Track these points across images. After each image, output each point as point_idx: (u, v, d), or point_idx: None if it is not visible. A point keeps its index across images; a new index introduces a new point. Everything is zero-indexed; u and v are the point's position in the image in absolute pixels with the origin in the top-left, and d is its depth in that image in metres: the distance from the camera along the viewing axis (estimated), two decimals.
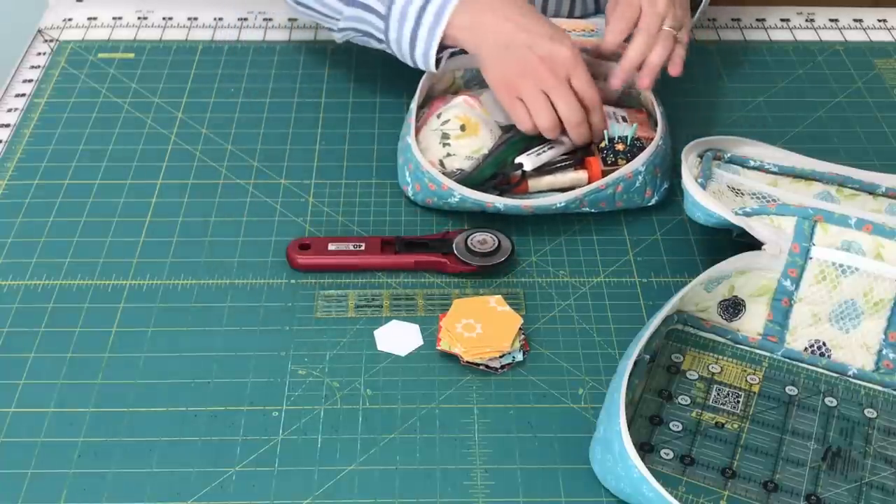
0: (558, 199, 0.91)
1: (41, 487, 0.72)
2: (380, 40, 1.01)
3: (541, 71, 0.91)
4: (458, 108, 0.97)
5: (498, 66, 0.93)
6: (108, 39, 1.21)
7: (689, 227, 0.94)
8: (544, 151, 0.94)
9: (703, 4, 1.08)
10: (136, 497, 0.71)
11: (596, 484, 0.72)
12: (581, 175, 0.94)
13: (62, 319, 0.85)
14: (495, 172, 0.94)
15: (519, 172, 0.93)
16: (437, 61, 0.98)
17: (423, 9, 0.95)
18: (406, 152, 0.95)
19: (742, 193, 0.89)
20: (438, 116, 0.97)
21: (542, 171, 0.94)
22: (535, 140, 0.96)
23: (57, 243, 0.92)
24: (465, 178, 0.92)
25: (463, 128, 0.95)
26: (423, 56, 0.97)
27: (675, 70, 0.97)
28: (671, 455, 0.74)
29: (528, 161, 0.93)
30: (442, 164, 0.93)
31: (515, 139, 0.95)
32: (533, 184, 0.93)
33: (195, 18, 1.25)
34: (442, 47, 0.96)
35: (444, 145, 0.94)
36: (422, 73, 1.02)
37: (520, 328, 0.82)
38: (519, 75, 0.92)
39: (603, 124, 0.95)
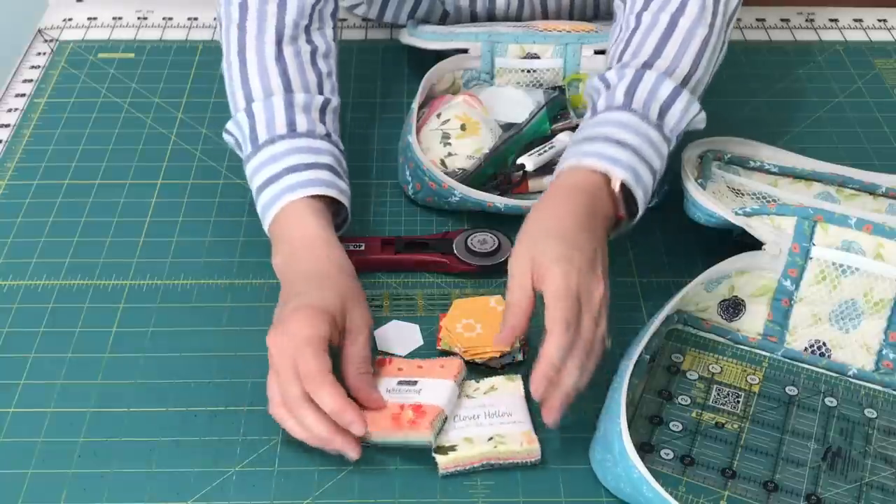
0: None
1: (41, 487, 0.72)
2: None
3: (270, 339, 0.75)
4: (459, 108, 0.97)
5: (275, 318, 0.78)
6: (108, 39, 1.21)
7: (689, 227, 0.94)
8: (545, 151, 0.94)
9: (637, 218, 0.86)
10: (136, 497, 0.71)
11: (596, 484, 0.72)
12: None
13: (62, 319, 0.85)
14: (496, 172, 0.94)
15: (520, 173, 0.93)
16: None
17: (257, 194, 0.86)
18: (407, 151, 0.95)
19: (742, 194, 0.89)
20: (438, 116, 0.97)
21: (542, 171, 0.94)
22: (536, 139, 0.96)
23: (57, 243, 0.92)
24: (467, 178, 0.92)
25: (463, 127, 0.95)
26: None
27: (553, 414, 0.73)
28: (671, 455, 0.74)
29: (529, 161, 0.93)
30: (443, 163, 0.93)
31: (516, 138, 0.95)
32: (533, 184, 0.93)
33: (195, 18, 1.25)
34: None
35: (445, 145, 0.94)
36: (422, 73, 1.02)
37: None
38: (276, 331, 0.75)
39: (340, 408, 0.71)
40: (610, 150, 0.81)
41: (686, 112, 0.86)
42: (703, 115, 0.88)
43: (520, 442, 0.73)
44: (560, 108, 1.00)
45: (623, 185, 0.80)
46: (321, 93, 0.91)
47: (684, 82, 0.87)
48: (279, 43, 0.91)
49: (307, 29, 0.93)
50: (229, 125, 0.91)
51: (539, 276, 0.73)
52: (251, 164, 0.87)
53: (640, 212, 0.82)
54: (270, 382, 0.74)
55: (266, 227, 0.85)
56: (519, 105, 1.02)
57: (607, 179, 0.80)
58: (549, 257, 0.73)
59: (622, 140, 0.81)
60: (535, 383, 0.71)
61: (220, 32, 0.95)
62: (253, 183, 0.87)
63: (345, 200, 0.86)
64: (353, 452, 0.72)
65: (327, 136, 0.89)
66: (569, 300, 0.72)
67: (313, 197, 0.84)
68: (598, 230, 0.78)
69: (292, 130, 0.87)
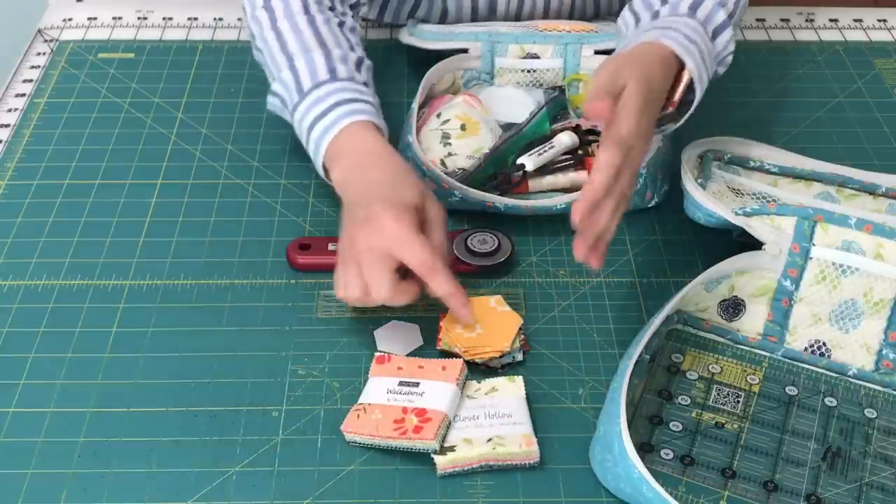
0: (559, 201, 0.91)
1: (41, 487, 0.72)
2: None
3: (359, 240, 0.79)
4: (459, 108, 0.97)
5: (349, 222, 0.82)
6: (108, 39, 1.21)
7: (689, 227, 0.94)
8: (545, 151, 0.94)
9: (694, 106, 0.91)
10: (136, 497, 0.71)
11: (596, 484, 0.72)
12: (581, 175, 0.94)
13: (62, 319, 0.85)
14: (496, 171, 0.94)
15: (520, 173, 0.93)
16: None
17: (308, 132, 0.90)
18: (407, 151, 0.95)
19: (742, 194, 0.89)
20: (438, 116, 0.97)
21: (542, 171, 0.94)
22: (536, 139, 0.96)
23: (57, 243, 0.92)
24: (467, 178, 0.92)
25: (463, 127, 0.95)
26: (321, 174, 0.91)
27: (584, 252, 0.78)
28: (671, 455, 0.74)
29: (529, 161, 0.93)
30: (443, 163, 0.93)
31: (516, 138, 0.95)
32: (533, 184, 0.93)
33: (195, 18, 1.25)
34: None
35: (445, 145, 0.94)
36: (422, 73, 1.02)
37: (520, 328, 0.82)
38: (363, 227, 0.79)
39: (448, 289, 0.78)
40: (685, 42, 0.86)
41: (729, 44, 0.92)
42: (731, 57, 0.94)
43: (519, 444, 0.73)
44: (560, 108, 1.00)
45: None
46: (354, 51, 0.96)
47: (730, 17, 0.93)
48: (307, 11, 0.96)
49: (330, 8, 0.99)
50: (274, 87, 0.95)
51: (620, 95, 0.79)
52: (299, 110, 0.91)
53: (688, 112, 0.88)
54: (350, 277, 0.78)
55: (320, 159, 0.88)
56: (519, 105, 1.02)
57: (679, 65, 0.86)
58: (634, 91, 0.79)
59: (693, 39, 0.87)
60: (578, 209, 0.76)
61: (247, 20, 1.00)
62: (302, 125, 0.90)
63: (386, 135, 0.90)
64: (466, 312, 0.79)
65: (365, 84, 0.93)
66: (625, 146, 0.77)
67: (369, 124, 0.88)
68: (661, 100, 0.85)
69: (333, 77, 0.91)
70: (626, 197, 0.79)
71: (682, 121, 0.89)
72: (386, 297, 0.77)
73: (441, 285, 0.78)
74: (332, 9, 0.99)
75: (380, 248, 0.77)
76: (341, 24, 0.98)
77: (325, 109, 0.89)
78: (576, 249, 0.77)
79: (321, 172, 0.90)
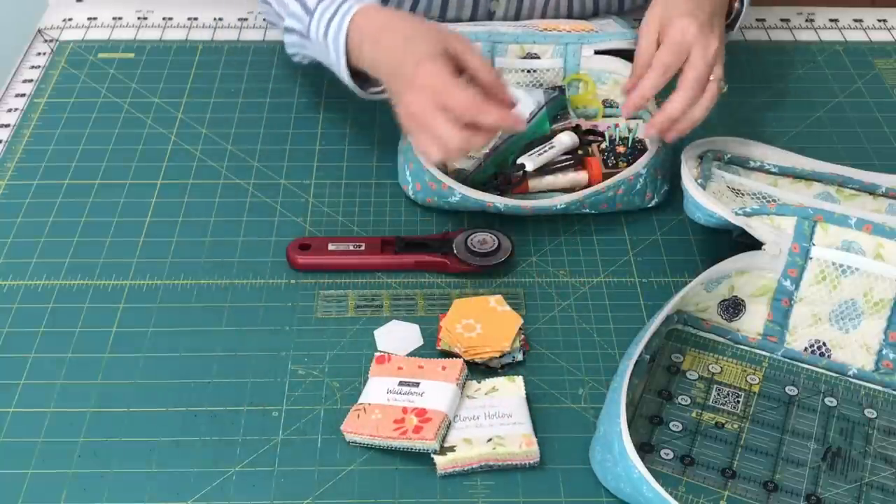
0: (559, 201, 0.91)
1: (41, 487, 0.72)
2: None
3: (411, 105, 0.84)
4: None
5: (395, 97, 0.87)
6: (108, 39, 1.21)
7: (689, 227, 0.94)
8: (545, 151, 0.94)
9: (741, 19, 1.02)
10: (136, 497, 0.71)
11: (596, 484, 0.72)
12: (581, 175, 0.94)
13: (62, 319, 0.85)
14: (496, 172, 0.94)
15: (519, 173, 0.93)
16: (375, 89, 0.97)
17: (325, 39, 0.94)
18: (407, 151, 0.95)
19: (742, 194, 0.89)
20: None
21: (542, 171, 0.94)
22: (536, 140, 0.96)
23: (57, 243, 0.92)
24: (467, 178, 0.92)
25: None
26: (355, 88, 0.96)
27: (682, 128, 0.91)
28: (671, 455, 0.74)
29: (529, 161, 0.93)
30: (444, 163, 0.93)
31: (516, 138, 0.95)
32: (533, 184, 0.93)
33: (195, 18, 1.25)
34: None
35: None
36: None
37: (520, 328, 0.82)
38: (406, 94, 0.84)
39: (506, 118, 0.83)
40: None
41: None
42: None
43: (519, 444, 0.73)
44: (560, 107, 1.00)
45: None
46: None
47: None
48: None
49: None
50: (287, 22, 0.99)
51: (664, 29, 0.89)
52: (313, 27, 0.95)
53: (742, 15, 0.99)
54: (424, 144, 0.84)
55: (343, 58, 0.92)
56: (519, 105, 1.02)
57: None
58: (675, 13, 0.89)
59: None
60: (625, 108, 0.91)
61: None
62: (319, 37, 0.95)
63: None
64: (521, 125, 0.86)
65: None
66: (675, 47, 0.88)
67: (367, 8, 0.92)
68: (719, 2, 0.93)
69: None
70: (702, 80, 0.88)
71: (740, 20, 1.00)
72: (460, 144, 0.82)
73: (489, 118, 0.82)
74: None
75: (430, 104, 0.82)
76: None
77: (333, 13, 0.93)
78: (646, 132, 0.92)
79: (347, 77, 0.94)
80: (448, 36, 0.87)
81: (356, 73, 0.94)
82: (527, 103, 1.02)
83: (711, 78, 0.89)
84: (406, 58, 0.85)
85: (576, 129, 0.98)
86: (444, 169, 0.93)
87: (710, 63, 0.89)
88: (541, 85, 1.06)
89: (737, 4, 1.01)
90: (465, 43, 0.87)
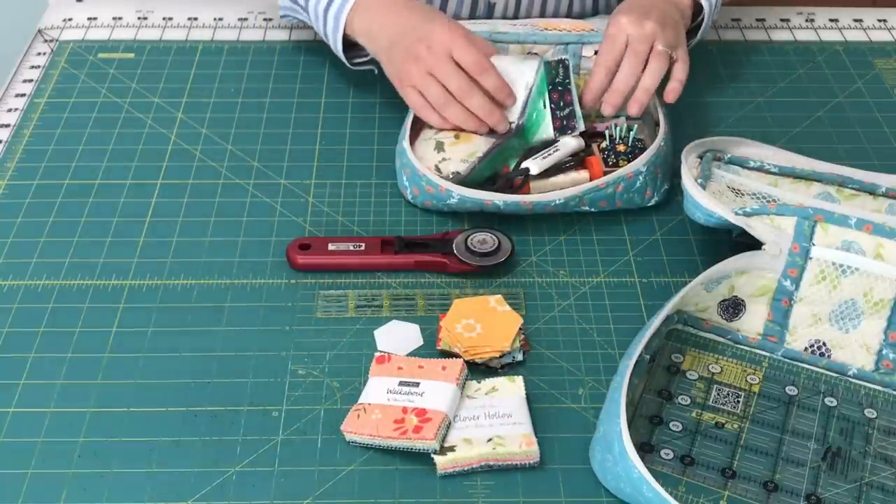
0: (558, 196, 0.91)
1: (41, 487, 0.72)
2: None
3: (420, 52, 0.93)
4: None
5: (389, 63, 0.98)
6: (108, 39, 1.21)
7: (689, 227, 0.94)
8: (550, 154, 0.94)
9: (704, 25, 1.07)
10: (136, 497, 0.71)
11: (596, 484, 0.72)
12: (582, 174, 0.94)
13: (62, 319, 0.85)
14: (494, 175, 0.93)
15: (521, 176, 0.93)
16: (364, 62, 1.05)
17: (326, 12, 1.00)
18: (402, 157, 0.95)
19: (742, 194, 0.89)
20: (432, 126, 0.97)
21: (544, 173, 0.94)
22: (531, 139, 0.96)
23: (57, 243, 0.92)
24: (461, 180, 0.92)
25: (457, 136, 0.95)
26: (342, 57, 1.04)
27: (670, 96, 0.97)
28: (671, 455, 0.74)
29: (533, 165, 0.93)
30: (437, 168, 0.93)
31: (511, 141, 0.94)
32: (535, 186, 0.93)
33: (195, 18, 1.25)
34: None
35: (439, 151, 0.94)
36: None
37: (520, 328, 0.82)
38: (404, 62, 0.95)
39: (501, 86, 0.93)
40: None
41: None
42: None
43: (519, 444, 0.73)
44: (559, 77, 0.98)
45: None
46: None
47: None
48: None
49: None
50: (282, 2, 1.09)
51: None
52: (311, 4, 1.03)
53: (706, 21, 1.05)
54: (429, 91, 0.94)
55: (342, 25, 1.00)
56: (516, 83, 1.00)
57: None
58: (611, 17, 0.98)
59: None
60: (584, 103, 0.97)
61: None
62: (318, 12, 1.03)
63: None
64: (502, 126, 0.94)
65: None
66: (610, 39, 0.96)
67: None
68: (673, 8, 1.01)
69: None
70: (642, 55, 0.95)
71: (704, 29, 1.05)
72: (461, 85, 0.91)
73: (489, 80, 0.92)
74: None
75: (441, 49, 0.92)
76: None
77: None
78: (603, 110, 0.97)
79: (338, 45, 1.02)
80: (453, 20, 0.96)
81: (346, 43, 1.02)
82: (524, 78, 1.00)
83: (659, 47, 0.95)
84: (421, 23, 0.94)
85: (582, 132, 0.98)
86: (438, 172, 0.93)
87: (648, 38, 0.95)
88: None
89: (704, 5, 1.05)
90: (464, 30, 0.94)
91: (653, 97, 0.99)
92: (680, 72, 0.98)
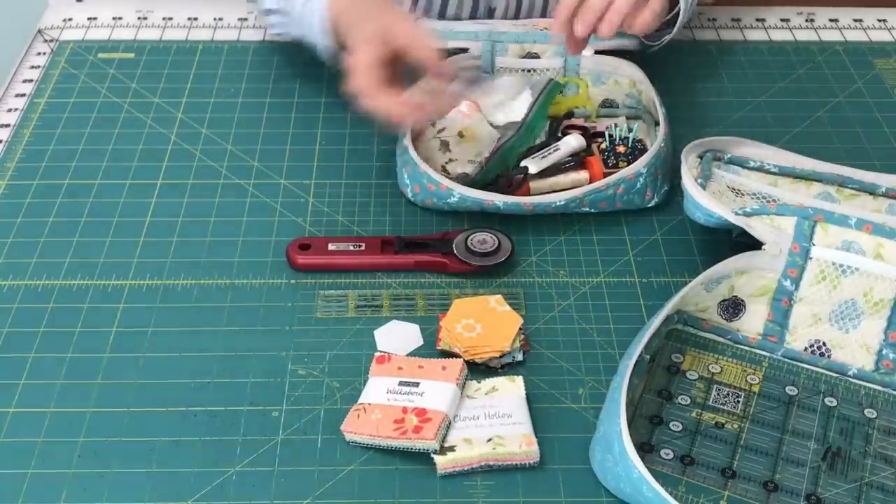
0: (558, 198, 0.91)
1: (41, 487, 0.72)
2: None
3: (352, 52, 0.92)
4: (454, 119, 0.97)
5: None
6: (108, 39, 1.21)
7: (689, 227, 0.94)
8: (550, 154, 0.94)
9: (682, 13, 1.05)
10: (136, 497, 0.71)
11: (596, 484, 0.72)
12: (582, 175, 0.94)
13: (62, 319, 0.85)
14: (498, 175, 0.94)
15: (521, 175, 0.93)
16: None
17: (309, 18, 1.02)
18: (403, 154, 0.95)
19: (742, 194, 0.89)
20: (433, 125, 0.97)
21: (543, 172, 0.94)
22: (535, 139, 0.96)
23: (57, 243, 0.92)
24: (470, 182, 0.92)
25: (461, 135, 0.95)
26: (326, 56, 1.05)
27: (638, 27, 0.91)
28: (671, 455, 0.74)
29: (533, 164, 0.93)
30: (445, 169, 0.93)
31: (514, 141, 0.95)
32: (535, 185, 0.93)
33: (195, 18, 1.25)
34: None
35: (445, 152, 0.94)
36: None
37: (520, 328, 0.82)
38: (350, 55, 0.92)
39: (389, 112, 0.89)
40: None
41: None
42: None
43: (519, 444, 0.73)
44: (556, 94, 0.99)
45: None
46: None
47: None
48: None
49: None
50: (268, 3, 1.09)
51: None
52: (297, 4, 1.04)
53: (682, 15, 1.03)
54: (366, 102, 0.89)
55: (321, 21, 1.00)
56: (516, 99, 1.02)
57: None
58: None
59: None
60: (556, 13, 0.92)
61: None
62: (296, 7, 1.04)
63: None
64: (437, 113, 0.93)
65: None
66: None
67: None
68: None
69: None
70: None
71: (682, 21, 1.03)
72: (367, 91, 0.89)
73: (381, 106, 0.88)
74: None
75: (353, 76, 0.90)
76: None
77: None
78: (577, 31, 0.91)
79: (322, 38, 1.02)
80: (396, 26, 0.91)
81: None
82: (524, 95, 1.02)
83: None
84: (355, 33, 0.93)
85: (583, 132, 0.98)
86: (446, 173, 0.93)
87: None
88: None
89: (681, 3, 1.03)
90: (411, 34, 0.91)
91: (652, 99, 0.99)
92: (655, 2, 0.91)
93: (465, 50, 1.05)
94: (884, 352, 0.80)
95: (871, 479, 0.73)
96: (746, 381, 0.80)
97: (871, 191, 0.90)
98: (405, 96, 0.89)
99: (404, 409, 0.74)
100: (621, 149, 0.96)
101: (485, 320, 0.82)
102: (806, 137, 1.06)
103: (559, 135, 0.98)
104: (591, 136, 0.99)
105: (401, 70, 0.92)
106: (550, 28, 0.95)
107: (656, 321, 0.78)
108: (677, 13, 1.04)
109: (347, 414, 0.75)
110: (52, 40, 1.21)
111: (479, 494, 0.72)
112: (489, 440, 0.73)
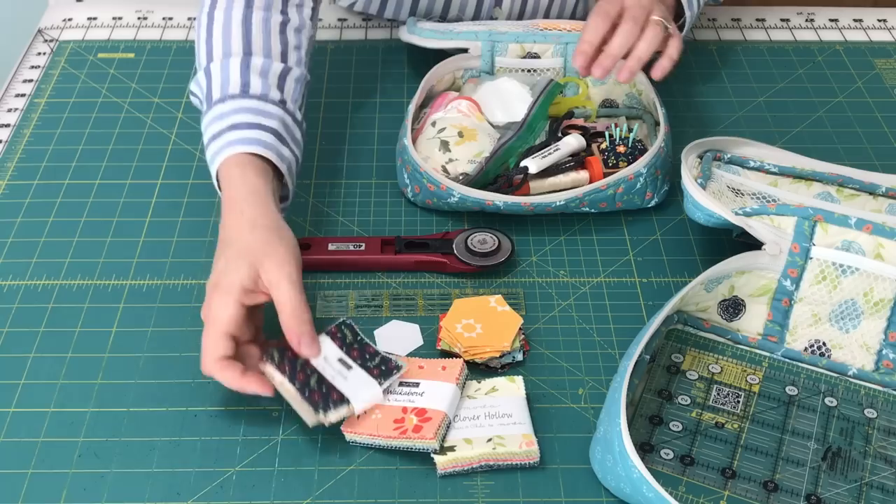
0: (558, 198, 0.91)
1: (41, 487, 0.72)
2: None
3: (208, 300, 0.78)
4: (452, 118, 0.97)
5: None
6: (108, 39, 1.21)
7: (689, 227, 0.94)
8: (551, 154, 0.94)
9: (688, 23, 1.07)
10: (136, 497, 0.71)
11: (596, 484, 0.72)
12: (582, 175, 0.94)
13: (62, 319, 0.85)
14: (498, 175, 0.93)
15: (521, 175, 0.93)
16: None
17: (207, 150, 0.88)
18: (403, 154, 0.95)
19: (742, 194, 0.89)
20: (433, 125, 0.97)
21: (543, 172, 0.94)
22: (535, 139, 0.96)
23: (57, 243, 0.92)
24: (471, 182, 0.92)
25: (461, 134, 0.95)
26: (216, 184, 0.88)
27: (658, 73, 0.95)
28: (671, 455, 0.74)
29: (533, 164, 0.93)
30: (445, 169, 0.93)
31: (514, 140, 0.95)
32: (535, 185, 0.93)
33: (195, 18, 1.25)
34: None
35: (445, 151, 0.94)
36: (422, 73, 1.02)
37: (520, 328, 0.82)
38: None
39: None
40: None
41: None
42: None
43: (519, 444, 0.73)
44: (556, 94, 0.99)
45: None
46: (284, 61, 0.92)
47: None
48: (249, 7, 0.93)
49: (285, 2, 0.96)
50: (192, 85, 0.94)
51: None
52: (205, 120, 0.89)
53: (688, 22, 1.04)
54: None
55: (214, 181, 0.86)
56: (516, 99, 1.02)
57: None
58: None
59: None
60: (575, 55, 0.94)
61: None
62: (204, 137, 0.88)
63: (282, 166, 0.86)
64: (265, 391, 0.74)
65: (282, 103, 0.89)
66: (606, 3, 0.93)
67: (256, 157, 0.84)
68: None
69: (245, 92, 0.88)
70: (641, 22, 0.92)
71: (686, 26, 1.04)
72: (209, 370, 0.75)
73: (224, 379, 0.74)
74: (286, 0, 0.95)
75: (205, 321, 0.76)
76: (284, 23, 0.94)
77: (222, 130, 0.86)
78: (594, 73, 0.93)
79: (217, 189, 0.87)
80: (266, 255, 0.77)
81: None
82: (523, 96, 1.02)
83: (654, 18, 0.93)
84: (217, 262, 0.79)
85: (583, 132, 0.98)
86: (446, 173, 0.93)
87: (646, 6, 0.93)
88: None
89: (686, 12, 1.05)
90: (282, 272, 0.76)
91: (652, 99, 0.99)
92: (673, 49, 0.95)
93: (465, 50, 1.05)
94: (884, 352, 0.80)
95: (871, 479, 0.73)
96: (746, 381, 0.80)
97: (871, 191, 0.90)
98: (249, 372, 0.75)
99: (404, 409, 0.74)
100: (621, 149, 0.96)
101: (485, 320, 0.82)
102: (806, 137, 1.06)
103: (559, 135, 0.98)
104: (591, 136, 0.99)
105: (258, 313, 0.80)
106: (572, 61, 0.95)
107: (656, 321, 0.78)
108: (682, 22, 1.05)
109: None
110: (52, 40, 1.21)
111: (479, 494, 0.72)
112: (489, 440, 0.73)
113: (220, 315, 0.75)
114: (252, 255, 0.77)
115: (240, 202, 0.81)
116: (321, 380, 0.75)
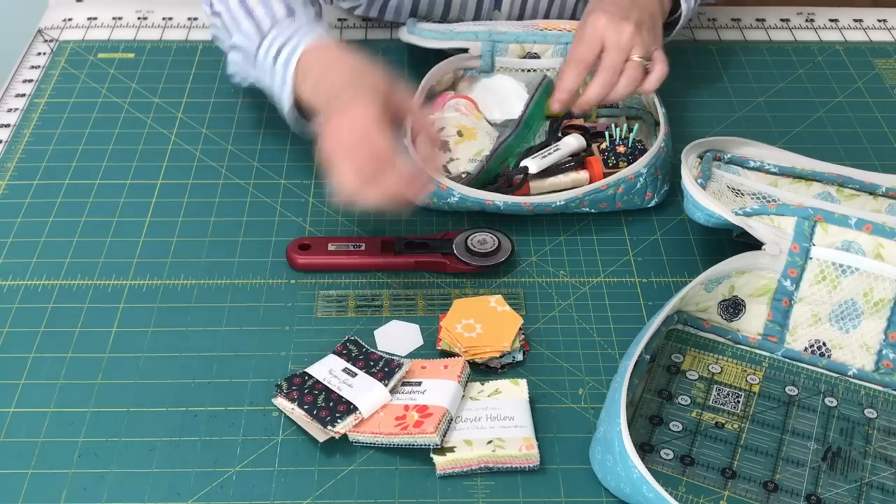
0: (558, 198, 0.91)
1: (41, 487, 0.72)
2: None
3: (339, 128, 0.83)
4: (451, 117, 0.97)
5: (325, 120, 0.85)
6: (108, 39, 1.21)
7: (689, 227, 0.94)
8: (550, 153, 0.94)
9: (680, 23, 1.07)
10: (136, 497, 0.71)
11: (596, 484, 0.72)
12: (582, 175, 0.94)
13: (62, 319, 0.85)
14: (498, 174, 0.93)
15: (521, 175, 0.93)
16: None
17: (274, 66, 0.92)
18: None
19: (742, 194, 0.89)
20: (433, 125, 0.97)
21: (543, 172, 0.94)
22: (534, 136, 0.96)
23: (57, 243, 0.92)
24: (472, 181, 0.92)
25: (460, 133, 0.95)
26: (288, 111, 0.93)
27: (647, 87, 0.95)
28: (671, 455, 0.74)
29: (533, 164, 0.93)
30: (446, 169, 0.93)
31: (513, 138, 0.95)
32: (535, 185, 0.93)
33: (195, 18, 1.25)
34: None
35: (445, 151, 0.94)
36: (422, 73, 1.02)
37: (520, 328, 0.82)
38: (334, 120, 0.83)
39: (400, 182, 0.80)
40: None
41: None
42: None
43: (519, 447, 0.73)
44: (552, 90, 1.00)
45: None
46: (312, 5, 0.99)
47: None
48: None
49: None
50: (235, 39, 0.96)
51: (580, 29, 0.97)
52: (263, 47, 0.93)
53: (682, 21, 1.04)
54: (340, 168, 0.80)
55: (289, 84, 0.90)
56: (515, 97, 1.02)
57: None
58: (587, 12, 0.97)
59: None
60: (553, 102, 0.96)
61: None
62: (267, 59, 0.92)
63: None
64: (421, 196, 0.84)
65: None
66: (587, 39, 0.95)
67: (324, 41, 0.91)
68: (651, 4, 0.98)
69: (291, 16, 0.94)
70: (617, 66, 0.93)
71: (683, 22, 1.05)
72: (354, 193, 0.79)
73: (384, 181, 0.79)
74: None
75: (344, 145, 0.81)
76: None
77: (285, 40, 0.91)
78: (575, 110, 0.97)
79: (288, 106, 0.91)
80: (393, 89, 0.85)
81: (295, 105, 0.92)
82: (521, 94, 1.02)
83: (635, 58, 0.94)
84: (345, 90, 0.85)
85: (584, 132, 0.98)
86: (447, 173, 0.93)
87: (625, 48, 0.93)
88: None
89: (683, 5, 1.04)
90: (407, 99, 0.87)
91: (652, 99, 0.99)
92: (651, 83, 0.95)
93: (465, 50, 1.05)
94: (884, 352, 0.80)
95: (871, 479, 0.73)
96: (746, 381, 0.80)
97: (871, 191, 0.90)
98: (406, 170, 0.80)
99: (406, 407, 0.74)
100: (621, 149, 0.96)
101: (485, 320, 0.82)
102: (806, 137, 1.06)
103: (559, 135, 0.98)
104: (591, 136, 0.99)
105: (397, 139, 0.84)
106: (550, 104, 0.97)
107: (656, 321, 0.78)
108: (677, 18, 1.05)
109: None
110: (52, 40, 1.21)
111: (479, 495, 0.72)
112: (489, 442, 0.73)
113: (376, 110, 0.81)
114: (385, 80, 0.85)
115: (348, 55, 0.89)
116: (328, 396, 0.75)
